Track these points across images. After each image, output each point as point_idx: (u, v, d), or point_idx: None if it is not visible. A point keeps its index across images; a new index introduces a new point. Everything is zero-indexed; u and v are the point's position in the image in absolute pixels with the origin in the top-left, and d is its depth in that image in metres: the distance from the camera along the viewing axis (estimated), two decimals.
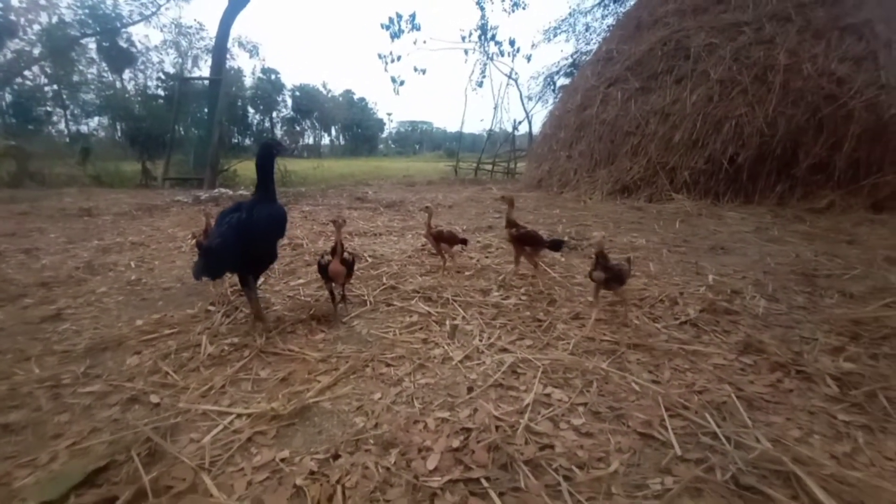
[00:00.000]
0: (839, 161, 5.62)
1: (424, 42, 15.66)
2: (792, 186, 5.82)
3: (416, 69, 14.76)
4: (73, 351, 2.02)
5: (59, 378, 1.78)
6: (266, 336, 2.11)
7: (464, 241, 3.10)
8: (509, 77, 15.01)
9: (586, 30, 15.60)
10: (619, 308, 2.42)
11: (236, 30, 11.89)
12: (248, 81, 35.30)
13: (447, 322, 2.27)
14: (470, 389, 1.70)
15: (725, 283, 2.86)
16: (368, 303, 2.55)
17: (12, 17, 24.04)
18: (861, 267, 3.17)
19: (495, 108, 14.82)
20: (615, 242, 4.00)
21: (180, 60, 27.55)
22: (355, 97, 51.76)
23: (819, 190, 5.67)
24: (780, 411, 1.56)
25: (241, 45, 27.06)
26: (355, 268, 2.41)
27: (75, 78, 26.03)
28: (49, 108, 26.93)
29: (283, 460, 1.31)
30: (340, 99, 49.79)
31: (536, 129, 14.91)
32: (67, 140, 23.32)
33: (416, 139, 66.09)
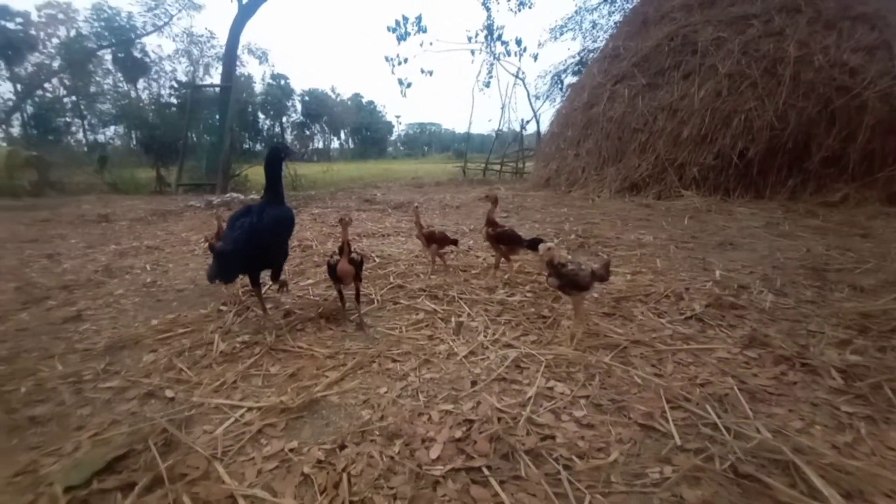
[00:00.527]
0: (853, 153, 5.52)
1: (431, 44, 15.61)
2: (804, 180, 5.73)
3: (422, 71, 14.87)
4: (94, 349, 2.11)
5: (81, 374, 1.86)
6: (276, 334, 2.17)
7: (454, 242, 3.15)
8: (516, 76, 15.02)
9: (593, 27, 15.54)
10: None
11: (246, 37, 12.17)
12: (258, 87, 35.85)
13: (452, 319, 2.31)
14: (474, 383, 1.73)
15: (733, 278, 2.84)
16: (376, 301, 2.60)
17: (32, 32, 24.83)
18: (874, 261, 3.13)
19: (503, 107, 14.90)
20: (622, 240, 3.99)
21: (192, 69, 28.08)
22: (364, 100, 52.25)
23: (832, 183, 5.57)
24: (782, 403, 1.56)
25: (250, 51, 27.46)
26: (364, 268, 2.44)
27: (92, 89, 26.73)
28: (68, 119, 27.69)
29: (291, 450, 1.36)
30: (349, 103, 50.27)
31: (544, 128, 14.90)
32: (85, 149, 23.93)
33: (425, 141, 66.29)
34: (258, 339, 2.13)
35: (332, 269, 2.15)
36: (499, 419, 1.49)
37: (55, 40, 25.15)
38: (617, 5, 14.94)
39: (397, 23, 13.13)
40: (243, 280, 2.97)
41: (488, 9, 14.21)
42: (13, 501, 1.19)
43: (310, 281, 3.05)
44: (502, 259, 2.97)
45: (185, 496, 1.17)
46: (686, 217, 5.01)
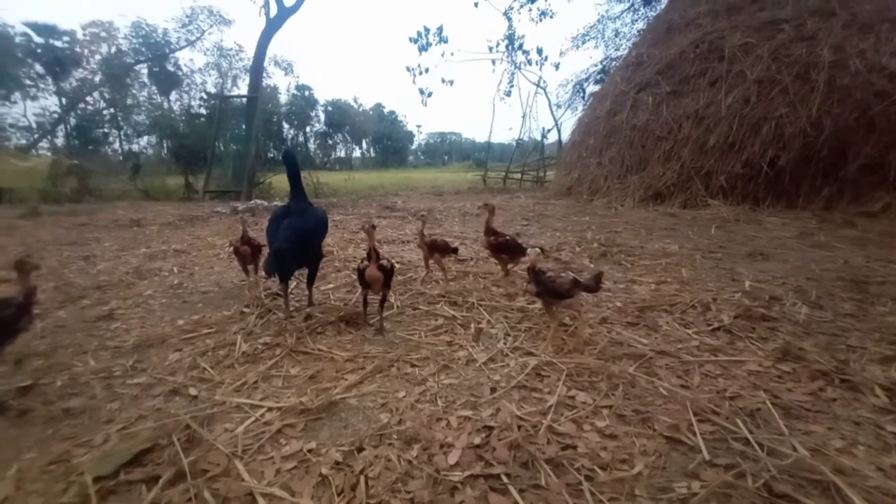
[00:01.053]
0: (894, 160, 5.27)
1: (452, 54, 15.63)
2: (840, 189, 5.49)
3: (443, 81, 14.95)
4: (123, 347, 2.18)
5: (111, 370, 1.92)
6: (297, 336, 2.20)
7: (454, 251, 3.14)
8: (537, 85, 14.96)
9: (616, 35, 15.38)
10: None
11: (272, 49, 12.52)
12: (283, 98, 37.00)
13: (472, 325, 2.29)
14: (493, 390, 1.71)
15: (763, 289, 2.73)
16: (395, 306, 2.61)
17: (77, 49, 26.38)
18: None
19: (523, 116, 14.77)
20: (646, 249, 3.90)
21: (221, 81, 29.20)
22: (385, 110, 53.12)
23: (872, 192, 5.32)
24: (820, 420, 1.48)
25: (276, 63, 28.35)
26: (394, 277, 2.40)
27: (129, 101, 28.12)
28: (106, 130, 29.18)
29: (310, 451, 1.37)
30: (371, 112, 51.17)
31: (565, 136, 14.80)
32: (121, 158, 25.11)
33: (445, 150, 66.73)
34: (279, 341, 2.16)
35: (360, 274, 2.16)
36: (519, 427, 1.46)
37: (97, 57, 26.63)
38: (640, 13, 14.80)
39: (419, 34, 13.36)
40: (266, 283, 3.04)
41: (510, 18, 14.29)
42: (46, 489, 1.23)
43: (330, 285, 3.08)
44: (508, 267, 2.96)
45: (206, 492, 1.19)
46: (713, 227, 4.87)
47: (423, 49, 13.61)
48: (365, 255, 2.19)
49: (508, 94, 15.55)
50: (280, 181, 13.00)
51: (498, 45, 14.72)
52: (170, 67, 28.84)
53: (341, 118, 44.50)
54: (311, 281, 2.63)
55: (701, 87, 6.61)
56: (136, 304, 2.83)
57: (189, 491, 1.19)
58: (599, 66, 15.22)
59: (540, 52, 14.25)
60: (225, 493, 1.19)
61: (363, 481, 1.21)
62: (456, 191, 11.97)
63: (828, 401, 1.59)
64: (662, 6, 9.93)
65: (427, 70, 14.31)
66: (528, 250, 2.08)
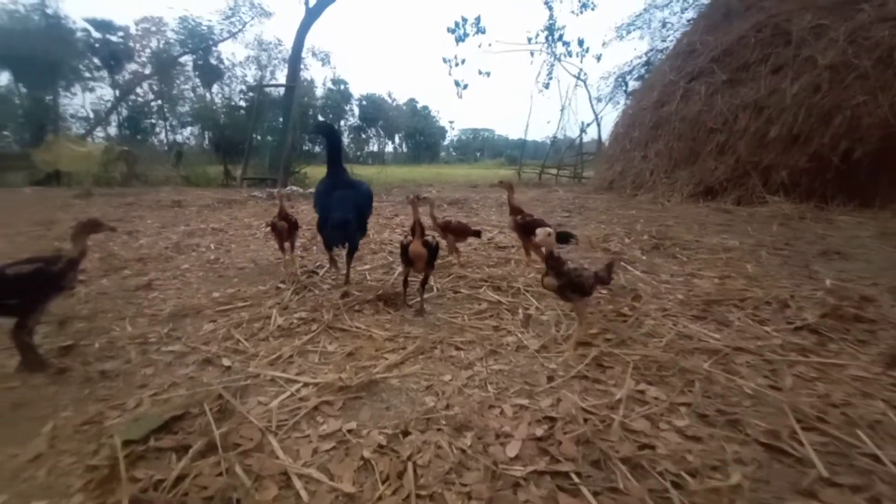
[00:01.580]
0: None
1: (490, 45, 15.16)
2: None
3: (480, 72, 14.62)
4: (159, 315, 2.13)
5: (147, 337, 1.86)
6: (334, 313, 2.08)
7: (475, 234, 3.00)
8: (577, 78, 14.41)
9: (663, 26, 14.61)
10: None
11: (309, 40, 12.67)
12: (319, 92, 37.55)
13: (520, 311, 2.11)
14: (550, 378, 1.53)
15: (849, 288, 2.41)
16: (435, 289, 2.46)
17: (130, 44, 27.69)
18: None
19: (562, 110, 14.26)
20: (702, 243, 3.59)
21: (260, 73, 29.92)
22: (419, 106, 53.08)
23: None
24: None
25: (314, 54, 28.63)
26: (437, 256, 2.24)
27: (174, 92, 29.32)
28: (153, 121, 30.56)
29: (349, 431, 1.23)
30: (404, 107, 51.28)
31: (606, 131, 14.24)
32: (165, 147, 26.21)
33: (478, 147, 65.96)
34: (315, 317, 2.05)
35: (404, 249, 2.02)
36: (585, 420, 1.28)
37: (147, 50, 27.87)
38: (690, 2, 14.03)
39: (456, 23, 13.15)
40: (302, 260, 2.96)
41: (551, 8, 13.81)
42: (78, 448, 1.16)
43: (367, 266, 2.97)
44: (533, 250, 2.76)
45: (238, 467, 1.07)
46: (774, 224, 4.46)
47: (460, 39, 13.39)
48: (408, 231, 2.05)
49: (547, 86, 15.12)
50: (314, 171, 13.15)
51: (537, 35, 14.29)
52: (212, 61, 29.78)
53: (375, 113, 44.85)
54: (350, 257, 2.52)
55: (762, 74, 6.09)
56: (174, 277, 2.81)
57: (220, 464, 1.08)
58: (644, 58, 14.53)
59: (581, 43, 13.73)
60: (258, 470, 1.07)
61: (411, 469, 1.06)
62: (489, 185, 11.73)
63: None
64: None
65: (463, 61, 14.06)
66: (537, 230, 1.68)
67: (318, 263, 3.03)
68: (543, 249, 1.71)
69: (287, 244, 2.78)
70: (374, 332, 1.89)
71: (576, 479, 1.05)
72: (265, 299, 2.32)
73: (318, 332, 1.89)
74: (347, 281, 2.54)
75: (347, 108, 42.75)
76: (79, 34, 25.01)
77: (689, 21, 11.12)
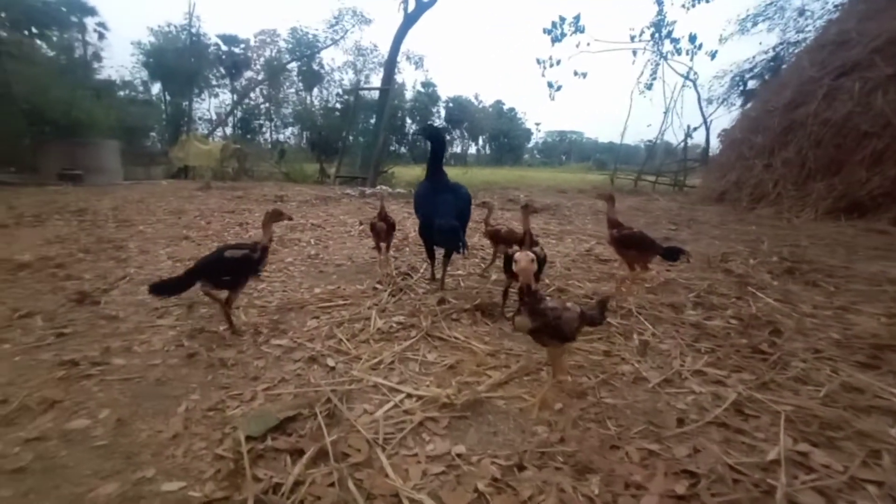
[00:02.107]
0: None
1: (588, 44, 14.21)
2: None
3: (576, 73, 13.88)
4: (268, 307, 2.26)
5: (258, 328, 1.97)
6: (431, 320, 2.04)
7: (523, 243, 2.67)
8: (686, 78, 13.01)
9: (800, 14, 12.50)
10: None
11: (404, 44, 13.01)
12: (408, 94, 38.92)
13: (635, 336, 1.89)
14: (681, 422, 1.31)
15: None
16: None
17: (248, 54, 31.17)
18: None
19: (665, 112, 12.96)
20: (854, 270, 3.00)
21: (356, 78, 31.75)
22: (505, 108, 52.60)
23: None
24: None
25: (408, 58, 29.62)
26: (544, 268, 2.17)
27: (280, 96, 32.36)
28: (261, 121, 34.05)
29: (458, 455, 1.15)
30: (490, 109, 51.12)
31: (714, 136, 12.78)
32: (269, 146, 28.97)
33: (563, 150, 63.47)
34: (414, 322, 2.03)
35: (508, 261, 1.92)
36: (734, 481, 1.06)
37: (262, 59, 31.11)
38: None
39: (553, 24, 12.69)
40: (395, 261, 2.99)
41: (660, 3, 12.64)
42: (207, 434, 1.23)
43: (459, 272, 2.91)
44: (635, 269, 2.43)
45: (350, 481, 1.04)
46: None
47: (556, 40, 12.88)
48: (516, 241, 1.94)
49: (649, 87, 13.93)
50: (402, 172, 13.64)
51: (641, 33, 13.21)
52: (314, 66, 32.31)
53: (461, 115, 45.39)
54: (447, 261, 2.48)
55: None
56: (279, 269, 2.99)
57: (332, 475, 1.06)
58: (771, 53, 12.70)
59: (693, 39, 12.40)
60: (369, 488, 1.03)
61: None
62: (578, 190, 11.19)
63: None
64: None
65: (559, 62, 13.49)
66: (517, 255, 1.34)
67: (411, 265, 3.04)
68: (521, 278, 1.35)
69: (384, 243, 2.82)
70: (474, 344, 1.81)
71: None
72: (363, 299, 2.36)
73: (417, 339, 1.86)
74: (442, 286, 2.50)
75: (434, 109, 43.74)
76: (211, 48, 28.75)
77: (837, 7, 9.41)
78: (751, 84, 13.47)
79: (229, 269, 1.84)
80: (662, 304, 2.29)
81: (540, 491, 1.01)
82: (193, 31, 22.88)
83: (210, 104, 31.07)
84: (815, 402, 1.42)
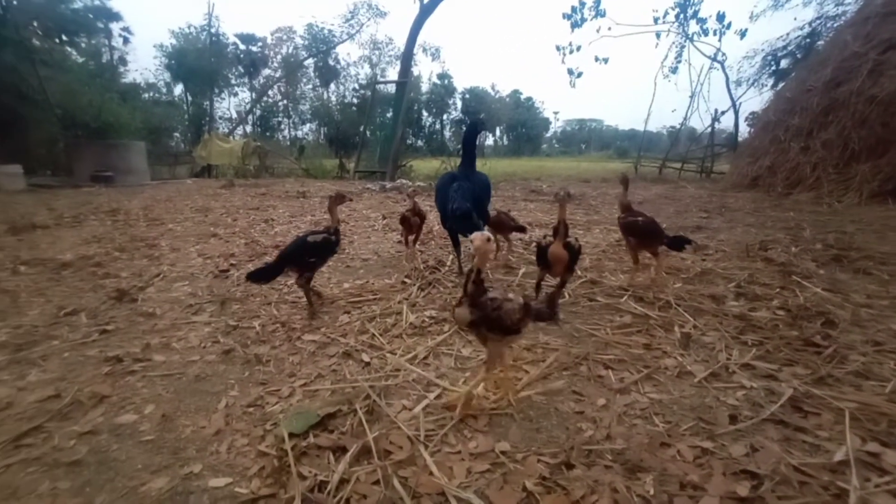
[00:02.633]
0: None
1: (609, 29, 13.58)
2: None
3: (597, 59, 13.46)
4: (299, 302, 2.26)
5: (291, 323, 1.98)
6: None
7: (521, 229, 2.77)
8: (714, 59, 12.41)
9: None
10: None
11: (420, 36, 12.85)
12: (424, 87, 38.64)
13: (676, 328, 1.81)
14: (733, 419, 1.25)
15: None
16: (566, 295, 2.26)
17: (266, 52, 31.52)
18: None
19: (692, 96, 12.41)
20: None
21: (372, 71, 31.72)
22: (522, 97, 51.64)
23: None
24: None
25: (424, 50, 29.34)
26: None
27: (297, 93, 32.68)
28: (279, 118, 34.49)
29: (503, 453, 1.12)
30: (507, 99, 50.31)
31: (742, 120, 12.21)
32: (288, 142, 29.36)
33: (583, 138, 61.99)
34: (445, 316, 2.00)
35: (542, 251, 1.87)
36: (800, 483, 1.00)
37: (279, 57, 31.41)
38: None
39: (573, 9, 12.32)
40: (423, 255, 2.97)
41: None
42: (248, 430, 1.23)
43: (487, 264, 2.86)
44: (648, 257, 2.35)
45: (395, 479, 1.02)
46: None
47: (576, 25, 12.52)
48: (550, 231, 1.88)
49: (674, 70, 13.42)
50: (420, 165, 13.61)
51: (666, 14, 12.69)
52: (331, 62, 32.43)
53: (478, 106, 44.84)
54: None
55: None
56: None
57: (377, 472, 1.04)
58: (807, 30, 11.99)
59: (721, 18, 11.82)
60: (415, 486, 1.01)
61: None
62: (602, 179, 10.94)
63: None
64: None
65: (579, 48, 13.12)
66: (474, 235, 1.22)
67: (438, 259, 3.02)
68: (476, 260, 1.25)
69: (412, 237, 2.82)
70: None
71: None
72: (393, 294, 2.35)
73: (449, 334, 1.84)
74: None
75: (451, 101, 43.33)
76: (230, 48, 29.21)
77: None
78: (784, 63, 12.82)
79: (314, 252, 2.04)
80: (702, 294, 2.20)
81: (592, 490, 0.97)
82: (213, 31, 23.29)
83: (230, 103, 31.65)
84: (881, 398, 1.33)
